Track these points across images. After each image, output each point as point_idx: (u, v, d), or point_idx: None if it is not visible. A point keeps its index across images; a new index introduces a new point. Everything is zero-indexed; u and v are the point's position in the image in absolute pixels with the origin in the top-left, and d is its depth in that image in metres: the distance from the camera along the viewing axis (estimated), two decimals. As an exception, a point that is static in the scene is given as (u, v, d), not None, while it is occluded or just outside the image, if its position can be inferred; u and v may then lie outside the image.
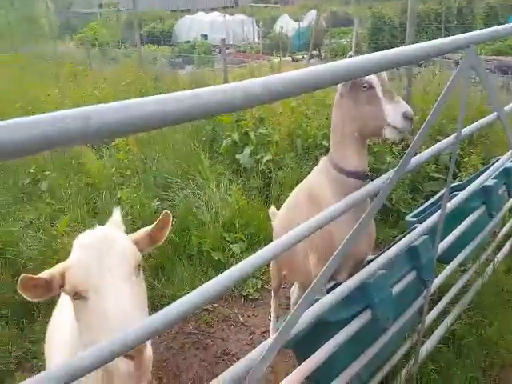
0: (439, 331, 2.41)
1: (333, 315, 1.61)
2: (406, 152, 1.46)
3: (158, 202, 3.54)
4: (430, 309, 2.32)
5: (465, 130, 1.98)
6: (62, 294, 1.69)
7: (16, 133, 0.51)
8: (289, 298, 2.97)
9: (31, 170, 3.76)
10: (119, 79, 6.89)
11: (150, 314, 0.97)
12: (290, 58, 14.40)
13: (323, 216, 1.28)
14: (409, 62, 1.32)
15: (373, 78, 1.66)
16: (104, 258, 1.03)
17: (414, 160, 1.63)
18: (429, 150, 1.76)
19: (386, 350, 1.97)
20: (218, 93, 0.72)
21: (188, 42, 19.90)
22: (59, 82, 6.62)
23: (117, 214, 2.30)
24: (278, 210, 2.70)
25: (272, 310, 2.61)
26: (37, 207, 3.34)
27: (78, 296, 1.01)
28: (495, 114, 2.13)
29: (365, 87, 1.66)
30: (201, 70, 9.45)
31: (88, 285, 0.99)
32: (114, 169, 3.83)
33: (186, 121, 0.71)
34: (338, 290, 1.49)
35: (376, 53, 1.13)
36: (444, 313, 2.48)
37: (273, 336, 1.25)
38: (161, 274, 2.99)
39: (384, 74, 1.69)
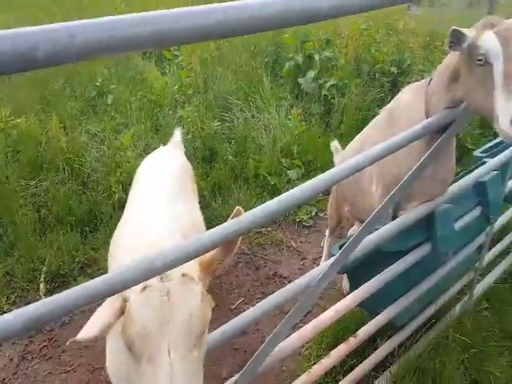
0: (497, 270, 2.26)
1: (392, 245, 1.46)
2: None
3: (218, 123, 3.29)
4: (491, 247, 2.13)
5: None
6: (124, 213, 1.57)
7: (124, 29, 0.47)
8: (342, 229, 2.74)
9: (97, 83, 3.60)
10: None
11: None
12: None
13: (392, 142, 1.06)
14: None
15: (495, 50, 1.08)
16: (167, 326, 0.80)
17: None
18: None
19: (441, 284, 1.83)
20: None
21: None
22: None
23: (178, 134, 2.11)
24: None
25: (325, 247, 2.40)
26: (102, 120, 3.22)
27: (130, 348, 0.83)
28: None
29: (480, 60, 1.12)
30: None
31: (142, 349, 0.80)
32: (176, 86, 3.57)
33: (274, 28, 0.61)
34: (399, 220, 1.36)
35: None
36: (504, 253, 2.30)
37: (331, 259, 1.17)
38: (218, 193, 2.86)
39: None
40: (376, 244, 1.29)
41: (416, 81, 1.67)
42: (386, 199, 1.17)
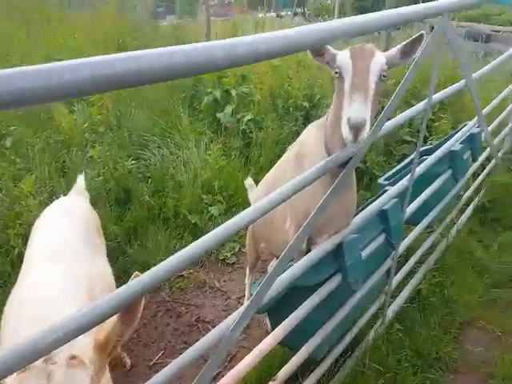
0: (406, 291, 2.42)
1: (305, 280, 1.51)
2: (379, 117, 1.38)
3: (133, 162, 3.19)
4: (398, 270, 2.29)
5: (435, 97, 1.95)
6: (23, 269, 1.43)
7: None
8: (264, 262, 2.79)
9: (-6, 125, 3.28)
10: (95, 27, 6.15)
11: (122, 283, 0.80)
12: (274, 14, 13.47)
13: (299, 181, 1.17)
14: (387, 27, 1.25)
15: (346, 64, 1.23)
16: None
17: (387, 125, 1.55)
18: (401, 115, 1.71)
19: (354, 312, 1.94)
20: (198, 51, 0.65)
21: (171, -10, 18.33)
22: (30, 28, 5.84)
23: (81, 180, 2.00)
24: (256, 177, 2.44)
25: (247, 285, 2.42)
26: (-1, 166, 2.92)
27: None
28: (463, 81, 2.15)
29: (336, 73, 1.27)
30: (183, 20, 8.63)
31: None
32: (86, 124, 3.40)
33: (163, 80, 0.65)
34: (310, 254, 1.44)
35: (357, 16, 1.09)
36: (411, 273, 2.47)
37: (246, 303, 1.20)
38: (133, 239, 2.72)
39: (371, 60, 1.23)
40: (290, 281, 1.34)
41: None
42: (295, 236, 1.23)
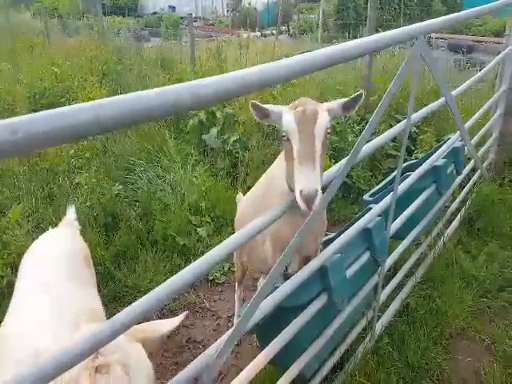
0: (394, 305, 2.47)
1: (292, 301, 1.59)
2: (357, 141, 1.43)
3: (120, 186, 3.33)
4: (387, 283, 2.36)
5: (414, 116, 2.02)
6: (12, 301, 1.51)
7: None
8: (255, 281, 2.91)
9: (-21, 154, 3.39)
10: (79, 53, 6.39)
11: (113, 308, 0.89)
12: (259, 33, 13.99)
13: (276, 212, 1.28)
14: (366, 53, 1.34)
15: (292, 130, 1.25)
16: None
17: (365, 148, 1.63)
18: (380, 136, 1.81)
19: (342, 329, 2.00)
20: (165, 94, 0.71)
21: (155, 13, 18.96)
22: (13, 56, 6.05)
23: (71, 212, 2.07)
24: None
25: (236, 300, 2.52)
26: (-16, 196, 3.04)
27: None
28: (443, 98, 2.26)
29: (284, 136, 1.29)
30: (168, 43, 8.97)
31: None
32: (72, 151, 3.55)
33: (128, 126, 0.70)
34: (296, 276, 1.52)
35: (335, 46, 1.15)
36: (399, 287, 2.53)
37: (231, 329, 1.25)
38: (122, 262, 2.83)
39: (318, 119, 1.25)
40: (276, 303, 1.41)
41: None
42: (275, 265, 1.31)
